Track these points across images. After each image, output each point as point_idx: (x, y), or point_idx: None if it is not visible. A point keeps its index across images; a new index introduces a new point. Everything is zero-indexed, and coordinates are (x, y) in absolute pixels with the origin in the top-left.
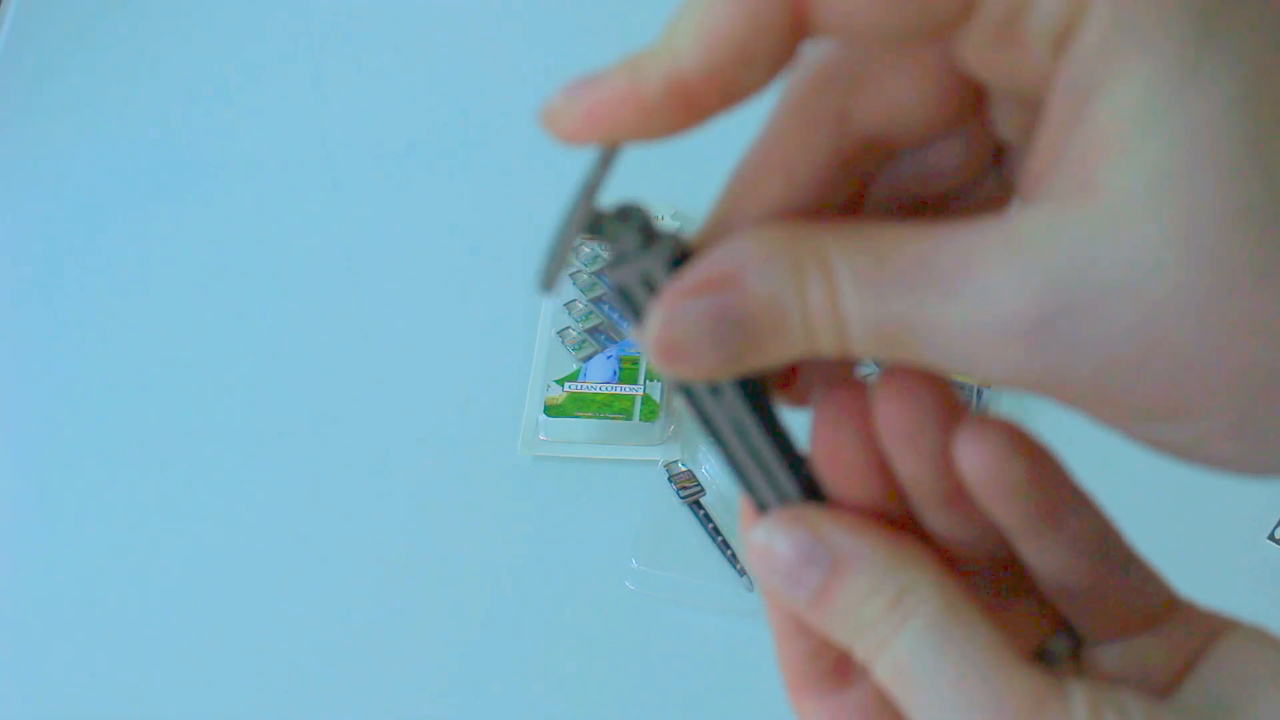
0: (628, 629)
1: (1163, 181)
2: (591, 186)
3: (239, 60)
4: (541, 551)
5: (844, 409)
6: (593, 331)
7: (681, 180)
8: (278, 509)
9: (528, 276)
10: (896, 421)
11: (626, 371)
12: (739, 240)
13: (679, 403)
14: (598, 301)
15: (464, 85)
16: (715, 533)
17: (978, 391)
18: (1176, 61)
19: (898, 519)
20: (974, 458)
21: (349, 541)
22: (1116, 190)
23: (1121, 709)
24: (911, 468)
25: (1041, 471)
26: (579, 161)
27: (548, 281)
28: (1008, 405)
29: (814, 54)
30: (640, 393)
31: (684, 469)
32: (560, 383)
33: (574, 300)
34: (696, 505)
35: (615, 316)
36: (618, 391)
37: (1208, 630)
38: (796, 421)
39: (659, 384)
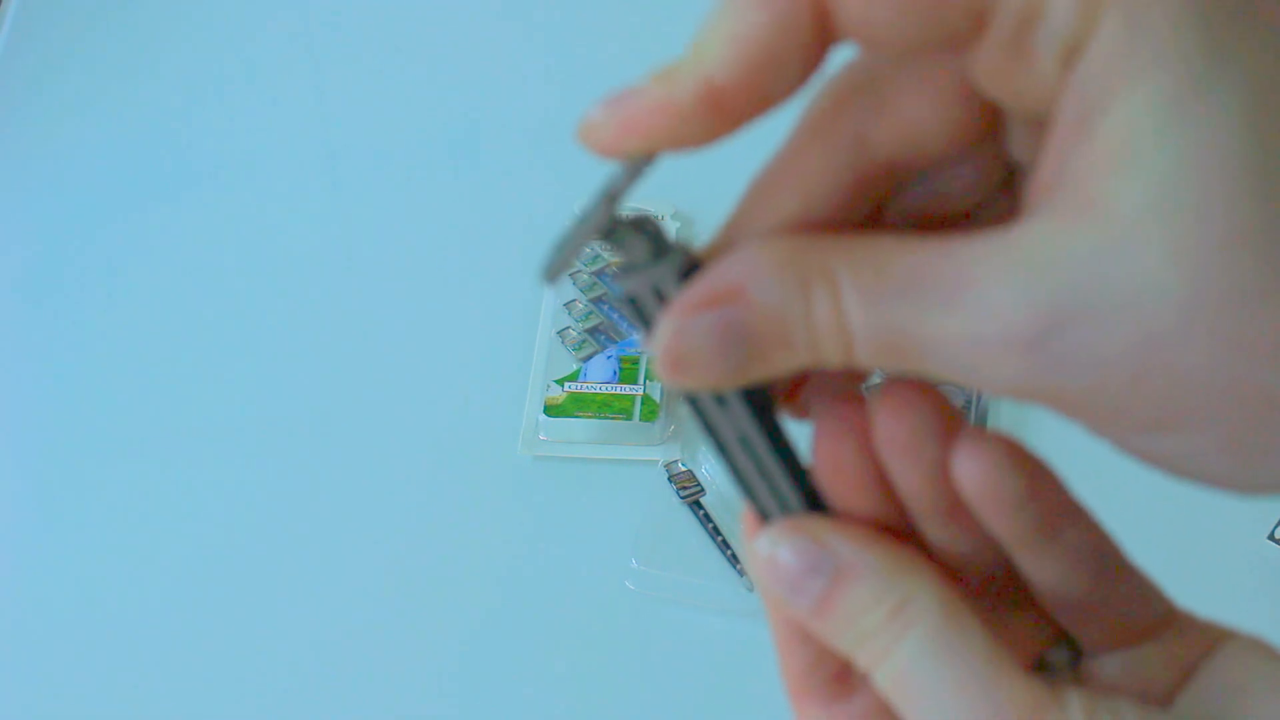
0: (628, 629)
1: (1166, 200)
2: (616, 193)
3: (239, 60)
4: (541, 551)
5: (845, 422)
6: (593, 331)
7: (682, 181)
8: (278, 509)
9: (528, 276)
10: (895, 435)
11: (626, 371)
12: (745, 253)
13: (684, 411)
14: (598, 301)
15: (464, 86)
16: (715, 533)
17: (976, 396)
18: (1185, 81)
19: (898, 531)
20: (972, 472)
21: (349, 541)
22: (1119, 207)
23: (1119, 718)
24: (911, 481)
25: (1039, 485)
26: (579, 163)
27: (551, 275)
28: (1007, 411)
29: (835, 74)
30: (640, 393)
31: (684, 469)
32: (560, 383)
33: (574, 300)
34: (696, 505)
35: (615, 316)
36: (618, 391)
37: (1206, 640)
38: (799, 433)
39: (659, 384)
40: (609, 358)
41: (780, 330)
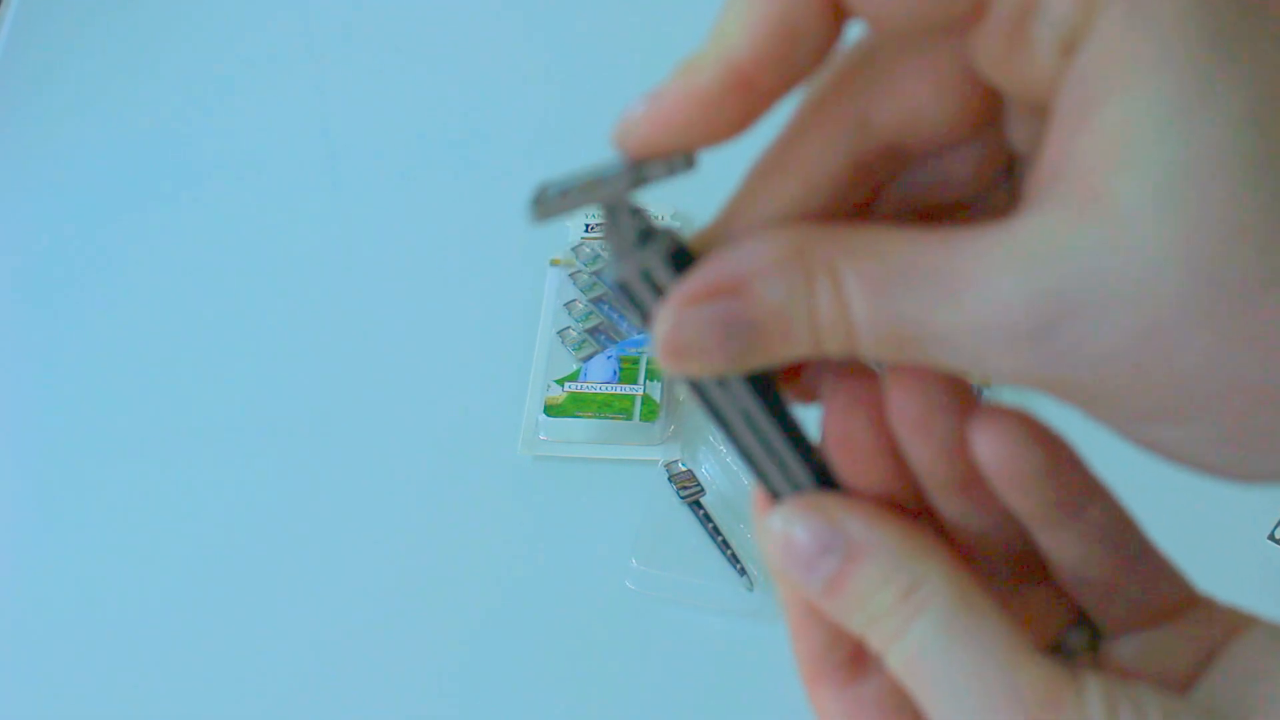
0: (628, 629)
1: (1169, 191)
2: (645, 177)
3: (239, 60)
4: (541, 551)
5: (856, 397)
6: (593, 331)
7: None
8: (278, 509)
9: (528, 276)
10: (909, 408)
11: (626, 371)
12: (746, 244)
13: (685, 394)
14: (598, 301)
15: (465, 86)
16: (715, 533)
17: (978, 390)
18: (1189, 76)
19: (910, 508)
20: (991, 446)
21: (349, 541)
22: (1121, 200)
23: (1137, 704)
24: (925, 455)
25: (1058, 460)
26: (579, 162)
27: (542, 215)
28: (1009, 396)
29: (837, 58)
30: (640, 393)
31: (684, 469)
32: (560, 383)
33: (574, 300)
34: (696, 505)
35: (615, 316)
36: (618, 391)
37: (1226, 626)
38: (808, 415)
39: (659, 384)
40: (609, 358)
41: (782, 323)
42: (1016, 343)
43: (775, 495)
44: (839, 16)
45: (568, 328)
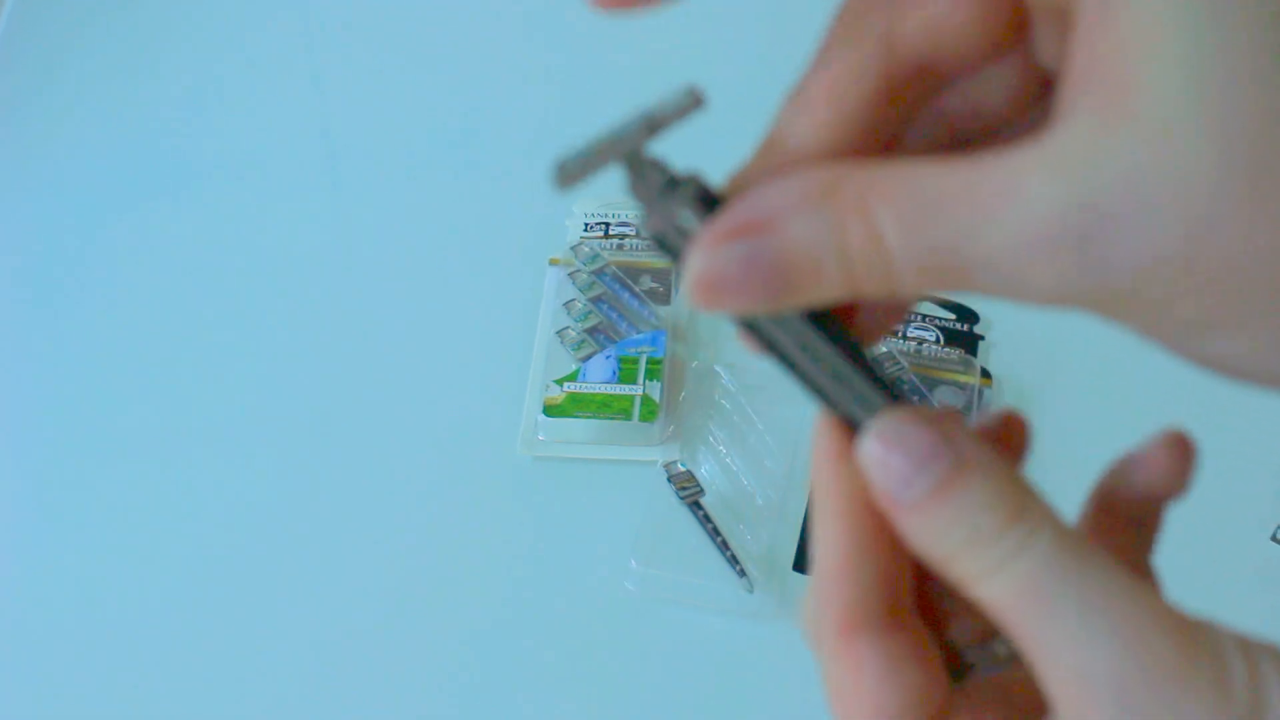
0: (627, 629)
1: (1195, 83)
2: (658, 122)
3: (239, 60)
4: (541, 552)
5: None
6: (592, 331)
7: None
8: (277, 508)
9: (528, 277)
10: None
11: (626, 371)
12: (777, 183)
13: (738, 334)
14: (597, 301)
15: (464, 86)
16: (714, 533)
17: (979, 393)
18: None
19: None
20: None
21: (349, 541)
22: (1149, 95)
23: (1277, 659)
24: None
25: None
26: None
27: (565, 180)
28: (1009, 399)
29: None
30: (639, 393)
31: (683, 469)
32: (560, 383)
33: (573, 300)
34: (696, 505)
35: (615, 316)
36: (617, 391)
37: None
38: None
39: (658, 384)
40: (608, 358)
41: (812, 260)
42: (1059, 256)
43: (851, 421)
44: None
45: (567, 327)
